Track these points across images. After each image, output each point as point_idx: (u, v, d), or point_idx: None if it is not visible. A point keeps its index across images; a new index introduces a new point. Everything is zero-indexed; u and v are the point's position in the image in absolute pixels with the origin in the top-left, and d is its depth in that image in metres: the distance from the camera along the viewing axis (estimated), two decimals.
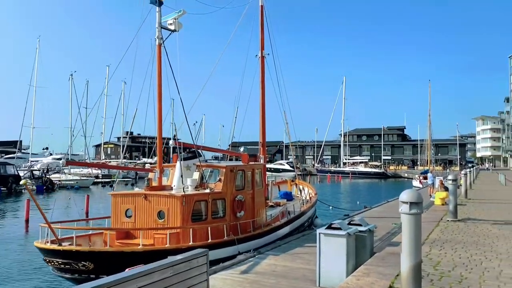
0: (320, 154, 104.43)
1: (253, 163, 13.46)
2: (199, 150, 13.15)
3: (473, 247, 8.28)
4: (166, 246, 9.46)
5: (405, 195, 5.15)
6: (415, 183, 50.38)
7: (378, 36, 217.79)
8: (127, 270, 5.26)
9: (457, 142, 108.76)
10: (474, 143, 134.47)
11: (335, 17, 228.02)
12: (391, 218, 15.59)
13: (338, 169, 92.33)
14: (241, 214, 11.94)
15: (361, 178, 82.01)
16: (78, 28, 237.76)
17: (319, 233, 7.73)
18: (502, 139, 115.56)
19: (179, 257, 5.58)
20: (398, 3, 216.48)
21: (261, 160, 16.86)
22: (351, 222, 8.55)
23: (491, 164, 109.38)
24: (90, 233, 11.14)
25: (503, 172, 46.81)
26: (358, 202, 29.17)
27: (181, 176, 11.16)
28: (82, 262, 8.77)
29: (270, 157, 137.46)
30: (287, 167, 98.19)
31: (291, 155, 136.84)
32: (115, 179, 48.51)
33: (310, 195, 19.02)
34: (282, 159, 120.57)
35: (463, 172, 20.07)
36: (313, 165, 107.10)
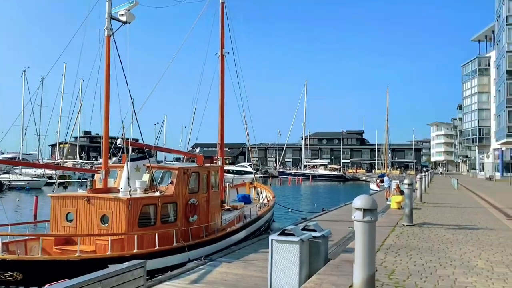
0: (281, 157, 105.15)
1: (209, 165, 12.89)
2: (150, 150, 12.43)
3: (428, 253, 8.11)
4: (107, 254, 8.72)
5: (359, 201, 4.80)
6: (373, 186, 51.46)
7: (338, 41, 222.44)
8: (46, 286, 4.61)
9: (413, 147, 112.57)
10: (429, 148, 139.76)
11: (296, 21, 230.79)
12: (348, 221, 15.43)
13: (299, 171, 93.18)
14: (194, 219, 11.35)
15: (321, 180, 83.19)
16: (29, 23, 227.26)
17: (272, 240, 7.30)
18: (455, 145, 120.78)
19: (110, 269, 4.96)
20: (356, 9, 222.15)
21: (219, 162, 16.31)
22: (306, 228, 8.19)
23: (444, 169, 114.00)
24: (26, 238, 10.19)
25: (455, 176, 48.60)
26: (316, 205, 29.06)
27: (128, 177, 10.43)
28: (9, 272, 7.88)
29: (233, 159, 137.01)
30: (249, 169, 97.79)
31: (254, 157, 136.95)
32: (64, 179, 46.37)
33: (268, 198, 18.66)
34: (245, 161, 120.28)
35: (418, 176, 20.36)
36: (275, 167, 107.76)
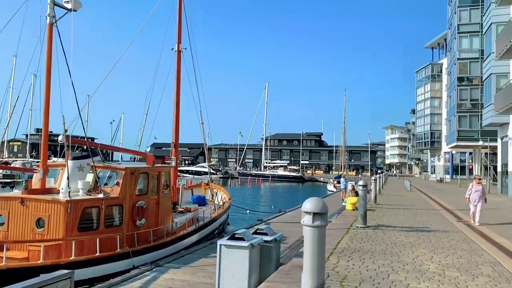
0: (242, 158, 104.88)
1: (160, 165, 12.25)
2: (96, 148, 11.63)
3: (381, 257, 7.94)
4: (38, 262, 7.94)
5: (309, 204, 4.43)
6: (330, 187, 52.16)
7: (299, 44, 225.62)
8: None
9: (369, 149, 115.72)
10: (384, 151, 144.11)
11: (259, 23, 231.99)
12: None
13: (259, 172, 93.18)
14: (142, 223, 10.70)
15: (280, 181, 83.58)
16: None
17: (220, 245, 6.87)
18: (408, 148, 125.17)
19: (28, 282, 4.33)
20: (316, 15, 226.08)
21: (173, 162, 15.68)
22: (257, 231, 7.81)
23: (398, 171, 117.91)
24: None
25: (408, 178, 50.14)
26: (272, 206, 28.77)
27: (68, 177, 9.64)
28: None
29: (193, 159, 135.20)
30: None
31: (213, 158, 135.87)
32: (13, 179, 43.74)
33: (224, 200, 18.17)
34: (204, 162, 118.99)
35: (373, 178, 20.58)
36: (235, 168, 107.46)
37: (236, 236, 7.00)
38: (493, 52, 25.84)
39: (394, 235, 10.47)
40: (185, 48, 16.34)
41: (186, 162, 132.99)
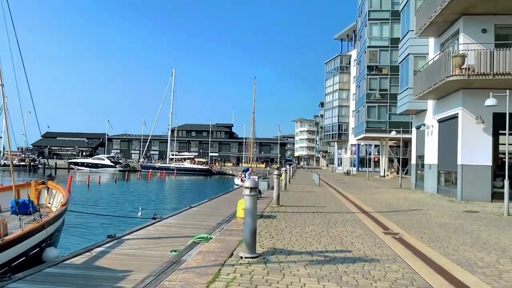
0: (146, 149, 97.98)
1: None
2: None
3: None
4: None
5: None
6: (237, 181, 48.41)
7: (209, 33, 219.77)
8: None
9: (278, 141, 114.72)
10: (293, 143, 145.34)
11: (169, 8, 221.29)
12: (182, 238, 10.22)
13: (163, 165, 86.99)
14: None
15: (186, 174, 78.87)
16: None
17: None
18: (316, 140, 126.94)
19: None
20: (231, 8, 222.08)
21: None
22: None
23: (306, 163, 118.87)
24: None
25: (316, 171, 47.82)
26: (140, 208, 21.64)
27: None
28: None
29: (92, 150, 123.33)
30: (107, 162, 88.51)
31: (115, 149, 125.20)
32: None
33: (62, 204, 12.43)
34: (104, 153, 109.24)
35: (275, 172, 16.17)
36: (139, 160, 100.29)
37: None
38: (412, 30, 23.15)
39: (297, 278, 5.87)
40: None
41: (84, 153, 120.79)
